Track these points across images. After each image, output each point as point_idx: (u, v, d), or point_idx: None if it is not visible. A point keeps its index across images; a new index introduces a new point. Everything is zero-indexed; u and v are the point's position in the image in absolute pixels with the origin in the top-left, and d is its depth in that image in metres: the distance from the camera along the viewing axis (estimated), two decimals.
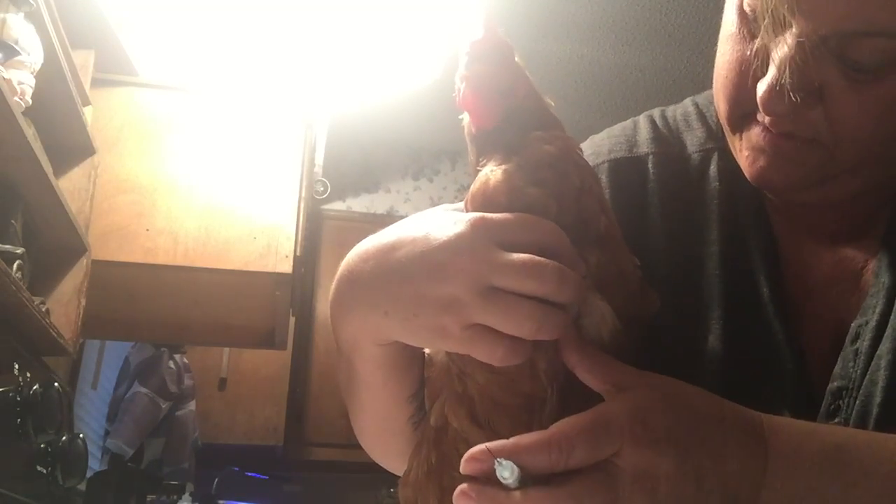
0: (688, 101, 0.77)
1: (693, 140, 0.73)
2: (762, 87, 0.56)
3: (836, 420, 0.58)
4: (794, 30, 0.53)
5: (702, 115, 0.74)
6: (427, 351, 0.60)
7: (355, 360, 0.60)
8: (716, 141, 0.71)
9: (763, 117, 0.58)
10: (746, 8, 0.57)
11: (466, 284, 0.50)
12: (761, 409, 0.61)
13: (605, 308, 0.53)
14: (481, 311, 0.50)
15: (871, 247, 0.64)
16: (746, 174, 0.62)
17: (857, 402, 0.57)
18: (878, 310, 0.59)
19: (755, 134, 0.59)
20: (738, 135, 0.62)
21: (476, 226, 0.52)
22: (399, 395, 0.62)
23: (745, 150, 0.61)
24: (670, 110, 0.77)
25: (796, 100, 0.54)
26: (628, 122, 0.77)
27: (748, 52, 0.58)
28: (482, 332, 0.51)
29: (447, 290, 0.51)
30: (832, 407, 0.59)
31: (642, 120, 0.77)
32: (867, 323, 0.59)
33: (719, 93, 0.62)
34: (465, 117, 0.58)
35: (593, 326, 0.53)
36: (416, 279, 0.52)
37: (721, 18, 0.61)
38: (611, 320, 0.53)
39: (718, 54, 0.62)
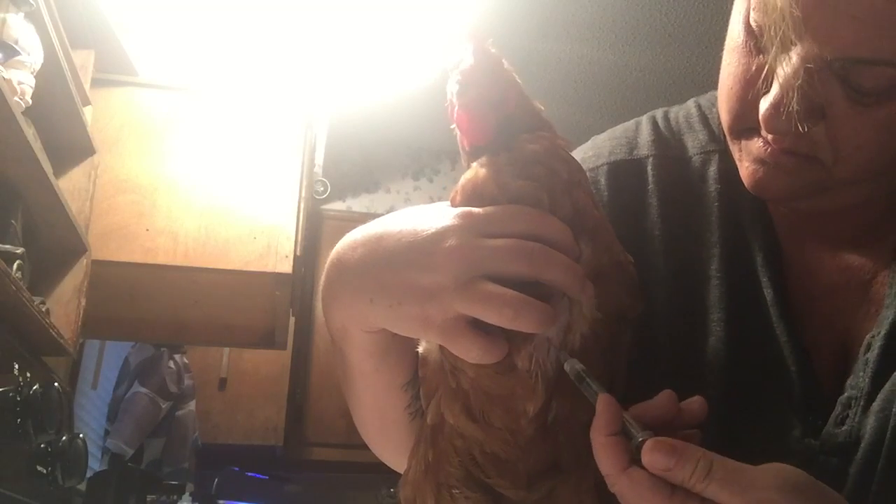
0: (691, 103, 0.77)
1: (694, 142, 0.73)
2: (765, 105, 0.56)
3: (844, 428, 0.58)
4: (799, 49, 0.53)
5: (704, 117, 0.74)
6: (420, 350, 0.60)
7: (346, 347, 0.61)
8: (717, 143, 0.71)
9: (765, 133, 0.58)
10: (753, 23, 0.57)
11: (451, 274, 0.51)
12: (765, 411, 0.61)
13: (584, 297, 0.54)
14: (462, 299, 0.51)
15: (879, 256, 0.63)
16: (745, 182, 0.62)
17: (875, 411, 0.57)
18: (889, 320, 0.58)
19: (756, 146, 0.59)
20: (738, 143, 0.62)
21: (463, 218, 0.53)
22: (392, 382, 0.63)
23: (744, 160, 0.61)
24: (673, 111, 0.77)
25: (798, 121, 0.54)
26: (630, 123, 0.77)
27: (752, 67, 0.58)
28: (462, 326, 0.51)
29: (432, 279, 0.51)
30: (840, 417, 0.59)
31: (644, 121, 0.76)
32: (879, 333, 0.59)
33: (722, 103, 0.62)
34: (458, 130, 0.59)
35: (573, 315, 0.53)
36: (402, 268, 0.53)
37: (721, 19, 0.61)
38: (589, 311, 0.53)
39: (724, 64, 0.61)
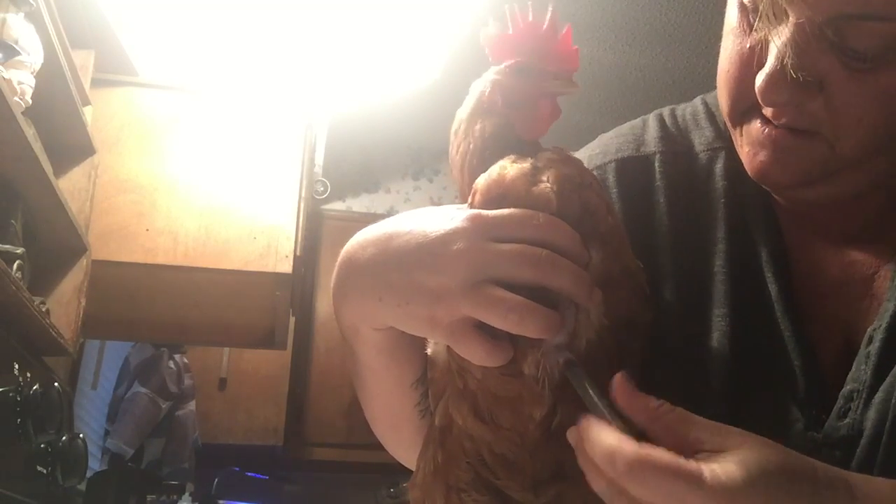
0: (698, 100, 0.77)
1: (701, 139, 0.73)
2: (761, 77, 0.56)
3: (846, 421, 0.58)
4: (792, 19, 0.53)
5: (711, 115, 0.74)
6: (429, 351, 0.61)
7: (356, 344, 0.61)
8: (724, 140, 0.71)
9: (765, 110, 0.58)
10: (746, 0, 0.58)
11: (458, 276, 0.52)
12: (768, 405, 0.61)
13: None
14: (468, 302, 0.51)
15: (883, 251, 0.63)
16: (747, 169, 0.62)
17: (877, 403, 0.57)
18: (890, 313, 0.58)
19: (755, 128, 0.59)
20: (739, 130, 0.62)
21: (473, 221, 0.54)
22: (402, 379, 0.63)
23: (745, 146, 0.61)
24: (680, 109, 0.77)
25: (795, 87, 0.54)
26: (638, 121, 0.78)
27: (747, 45, 0.58)
28: (468, 329, 0.52)
29: (439, 280, 0.52)
30: (842, 409, 0.59)
31: (652, 119, 0.77)
32: (880, 326, 0.59)
33: (721, 88, 0.62)
34: (491, 119, 0.60)
35: (579, 321, 0.53)
36: (410, 268, 0.54)
37: (721, 19, 0.61)
38: (596, 317, 0.53)
39: (721, 49, 0.62)
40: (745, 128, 0.61)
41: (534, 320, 0.50)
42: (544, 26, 0.60)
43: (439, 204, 3.42)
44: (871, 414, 0.56)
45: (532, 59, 0.60)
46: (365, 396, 0.68)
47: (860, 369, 0.59)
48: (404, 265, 0.54)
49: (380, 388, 0.65)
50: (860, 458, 0.57)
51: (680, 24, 3.07)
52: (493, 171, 0.56)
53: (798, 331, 0.62)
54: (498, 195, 0.55)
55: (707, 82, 0.77)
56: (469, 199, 0.58)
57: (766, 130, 0.58)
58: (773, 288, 0.63)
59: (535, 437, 0.54)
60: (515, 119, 0.59)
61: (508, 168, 0.56)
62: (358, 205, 4.12)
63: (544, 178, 0.55)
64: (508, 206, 0.54)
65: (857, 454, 0.57)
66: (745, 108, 0.60)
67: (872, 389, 0.57)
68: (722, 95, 0.62)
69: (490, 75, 0.61)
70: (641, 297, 0.58)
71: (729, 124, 0.64)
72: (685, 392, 0.62)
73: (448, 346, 0.56)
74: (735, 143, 0.64)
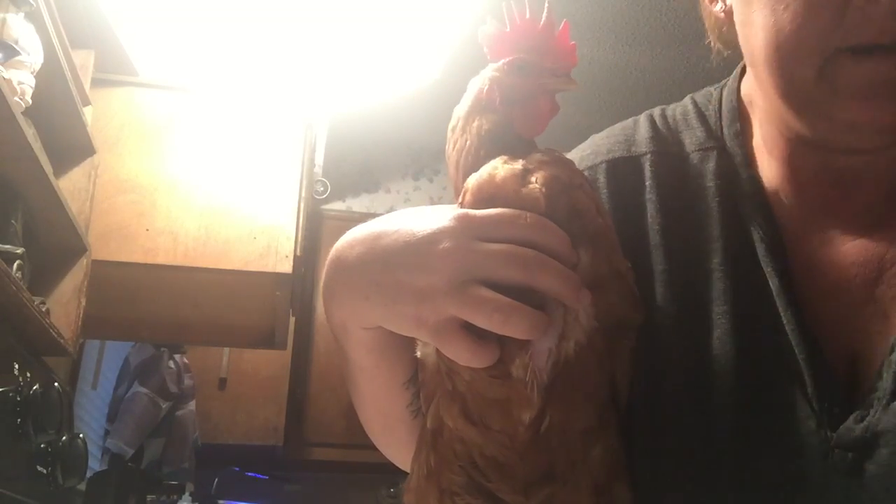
0: (687, 100, 0.77)
1: (692, 139, 0.72)
2: None
3: (862, 424, 0.57)
4: None
5: (701, 114, 0.74)
6: (418, 353, 0.61)
7: (346, 344, 0.61)
8: (715, 140, 0.71)
9: (863, 33, 0.55)
10: None
11: (444, 276, 0.51)
12: (777, 401, 0.60)
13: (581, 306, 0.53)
14: (454, 302, 0.51)
15: (882, 256, 0.63)
16: (847, 123, 0.58)
17: None
18: None
19: (851, 71, 0.56)
20: (820, 86, 0.59)
21: (460, 220, 0.53)
22: (393, 379, 0.63)
23: (840, 95, 0.58)
24: (670, 109, 0.77)
25: None
26: (629, 122, 0.77)
27: None
28: (454, 329, 0.51)
29: (426, 280, 0.52)
30: (860, 416, 0.58)
31: (642, 119, 0.76)
32: None
33: (789, 53, 0.59)
34: (489, 116, 0.59)
35: (568, 323, 0.53)
36: (397, 268, 0.53)
37: None
38: (585, 319, 0.53)
39: (777, 13, 0.59)
40: (829, 81, 0.58)
41: (519, 321, 0.50)
42: (541, 23, 0.60)
43: (439, 204, 3.42)
44: (890, 419, 0.56)
45: (530, 55, 0.59)
46: (357, 396, 0.68)
47: (882, 377, 0.58)
48: (391, 264, 0.54)
49: (371, 388, 0.65)
50: (878, 462, 0.55)
51: (680, 24, 3.07)
52: (484, 171, 0.56)
53: (801, 323, 0.61)
54: (488, 195, 0.55)
55: (707, 83, 0.77)
56: (459, 199, 0.57)
57: (868, 65, 0.56)
58: (773, 282, 0.63)
59: (524, 439, 0.54)
60: (513, 116, 0.59)
61: (499, 168, 0.56)
62: (358, 205, 4.13)
63: (533, 180, 0.55)
64: (498, 207, 0.54)
65: (874, 456, 0.56)
66: (823, 59, 0.57)
67: (894, 395, 0.56)
68: (792, 64, 0.59)
69: (488, 72, 0.61)
70: (631, 299, 0.58)
71: (809, 93, 0.60)
72: (690, 393, 0.62)
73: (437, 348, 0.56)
74: (811, 113, 0.60)
